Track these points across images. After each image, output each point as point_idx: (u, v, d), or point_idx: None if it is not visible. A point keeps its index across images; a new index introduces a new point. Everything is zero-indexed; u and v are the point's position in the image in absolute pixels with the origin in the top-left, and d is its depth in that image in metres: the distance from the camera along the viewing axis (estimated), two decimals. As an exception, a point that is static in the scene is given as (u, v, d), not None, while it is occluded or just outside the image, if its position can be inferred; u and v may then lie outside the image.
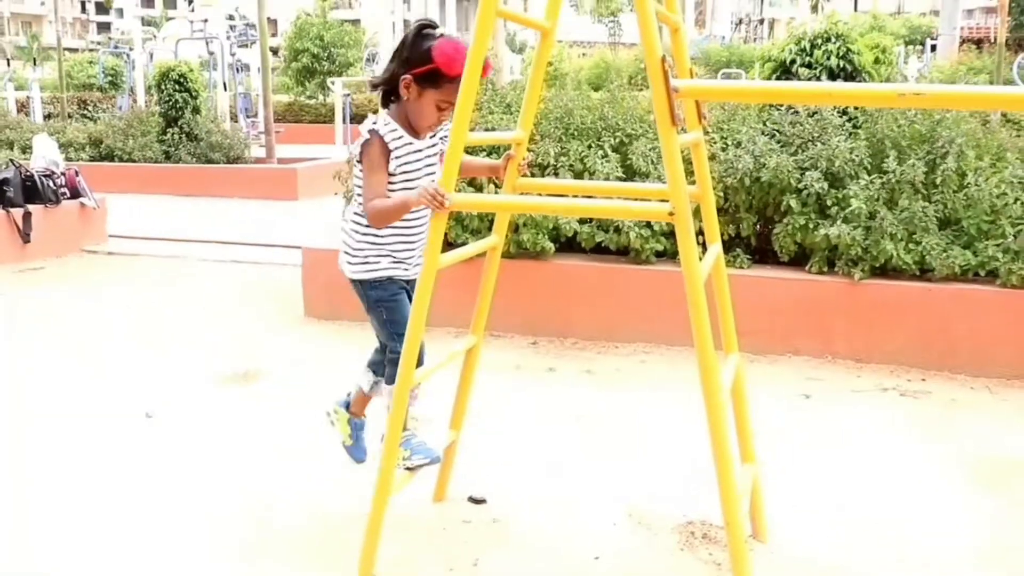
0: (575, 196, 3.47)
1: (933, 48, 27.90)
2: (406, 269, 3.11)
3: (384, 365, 3.22)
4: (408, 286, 3.13)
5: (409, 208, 2.87)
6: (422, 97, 2.92)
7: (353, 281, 3.15)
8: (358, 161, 3.00)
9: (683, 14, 2.89)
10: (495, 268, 3.26)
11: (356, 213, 3.09)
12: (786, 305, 5.46)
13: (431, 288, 2.76)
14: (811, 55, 6.46)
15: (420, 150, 3.00)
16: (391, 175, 2.96)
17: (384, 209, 2.91)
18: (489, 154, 5.82)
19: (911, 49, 30.19)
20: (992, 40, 29.20)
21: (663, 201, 2.50)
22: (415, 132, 2.99)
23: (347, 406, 3.45)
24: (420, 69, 2.88)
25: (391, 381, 2.98)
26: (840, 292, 5.35)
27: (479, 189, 5.79)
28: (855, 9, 57.99)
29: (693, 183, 2.93)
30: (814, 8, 22.73)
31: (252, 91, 22.02)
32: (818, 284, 5.41)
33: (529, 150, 3.84)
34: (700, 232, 3.09)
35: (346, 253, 3.14)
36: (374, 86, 3.07)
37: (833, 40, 6.43)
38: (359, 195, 3.04)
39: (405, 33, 3.01)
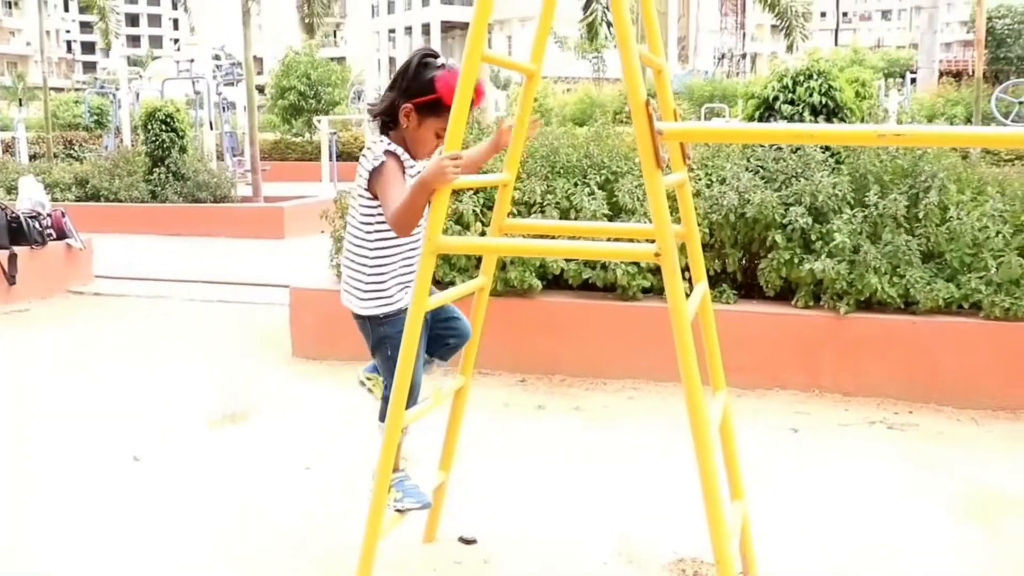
0: (562, 236, 3.50)
1: (913, 81, 28.30)
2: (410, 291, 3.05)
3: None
4: None
5: (428, 191, 2.70)
6: (422, 126, 2.95)
7: (360, 317, 3.10)
8: (366, 188, 2.97)
9: (666, 50, 2.93)
10: (483, 308, 3.27)
11: (357, 247, 3.05)
12: (772, 339, 5.49)
13: (420, 329, 2.77)
14: (794, 92, 6.54)
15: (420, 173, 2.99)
16: None
17: (404, 207, 2.77)
18: (476, 194, 5.88)
19: (891, 82, 30.58)
20: (970, 73, 29.57)
21: (649, 241, 2.52)
22: (413, 159, 3.00)
23: (375, 369, 3.33)
24: (422, 99, 2.91)
25: (384, 419, 2.98)
26: (826, 326, 5.38)
27: (466, 227, 5.81)
28: (835, 43, 58.77)
29: (678, 222, 2.96)
30: (789, 48, 22.99)
31: (238, 129, 22.10)
32: (804, 318, 5.45)
33: (515, 188, 3.88)
34: (686, 268, 3.12)
35: (355, 289, 3.08)
36: (373, 114, 3.07)
37: (815, 77, 6.52)
38: (364, 222, 3.01)
39: (406, 61, 3.01)
